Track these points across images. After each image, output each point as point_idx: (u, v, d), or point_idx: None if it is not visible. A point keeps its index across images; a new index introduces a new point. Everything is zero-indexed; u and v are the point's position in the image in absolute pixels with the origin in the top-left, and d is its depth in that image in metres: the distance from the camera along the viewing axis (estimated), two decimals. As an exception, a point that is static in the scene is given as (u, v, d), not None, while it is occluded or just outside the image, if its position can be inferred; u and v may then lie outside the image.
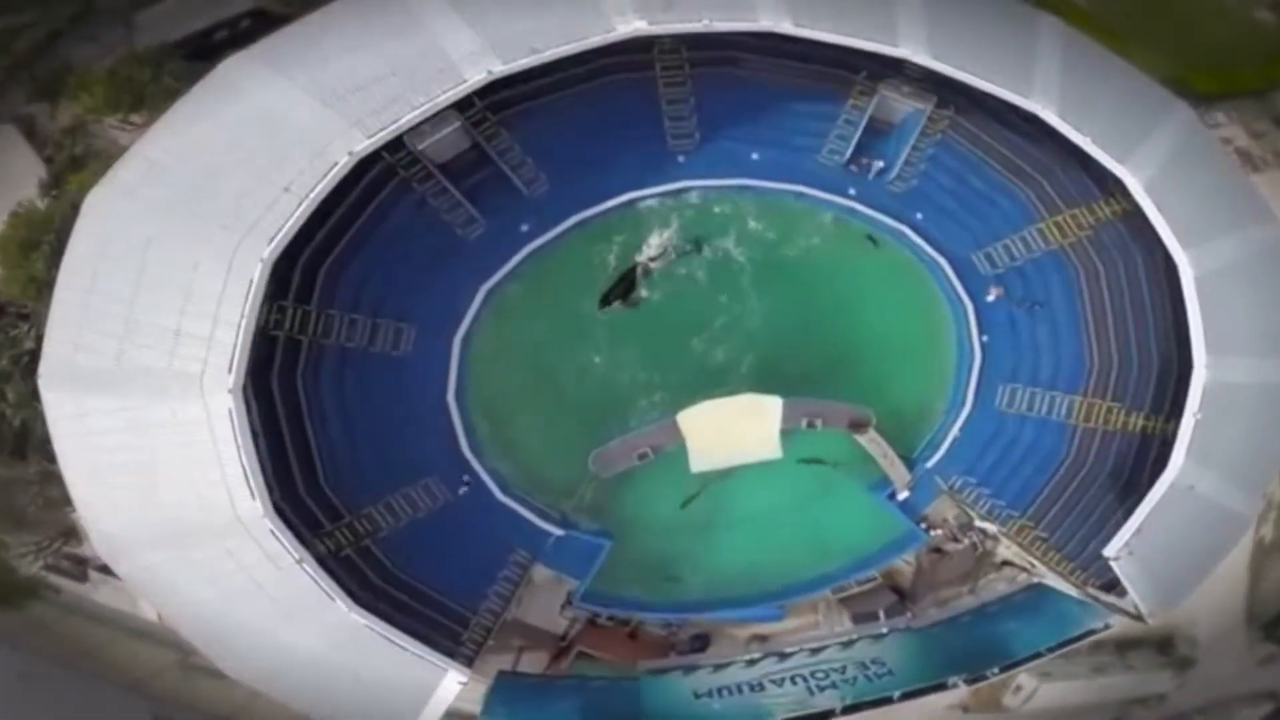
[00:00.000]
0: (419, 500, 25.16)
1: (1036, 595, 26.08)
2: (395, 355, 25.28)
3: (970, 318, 28.37)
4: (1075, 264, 27.35)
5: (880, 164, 27.90)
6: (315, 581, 20.05)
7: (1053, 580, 25.62)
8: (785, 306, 28.65)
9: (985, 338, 28.28)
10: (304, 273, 23.57)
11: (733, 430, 25.87)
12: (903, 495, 27.98)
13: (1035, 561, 25.82)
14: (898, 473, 27.83)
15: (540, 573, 26.50)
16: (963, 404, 28.45)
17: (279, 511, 20.14)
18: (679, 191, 28.12)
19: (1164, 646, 30.88)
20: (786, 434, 26.15)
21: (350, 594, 20.55)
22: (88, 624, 27.94)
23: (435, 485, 25.66)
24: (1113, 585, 23.73)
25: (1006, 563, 27.51)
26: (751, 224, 28.88)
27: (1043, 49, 24.19)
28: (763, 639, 27.40)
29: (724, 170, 27.99)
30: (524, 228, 27.00)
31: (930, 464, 28.19)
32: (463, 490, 26.10)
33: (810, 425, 26.62)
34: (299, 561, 19.91)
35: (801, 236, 29.03)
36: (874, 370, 28.80)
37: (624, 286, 27.73)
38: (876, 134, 27.76)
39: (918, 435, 28.99)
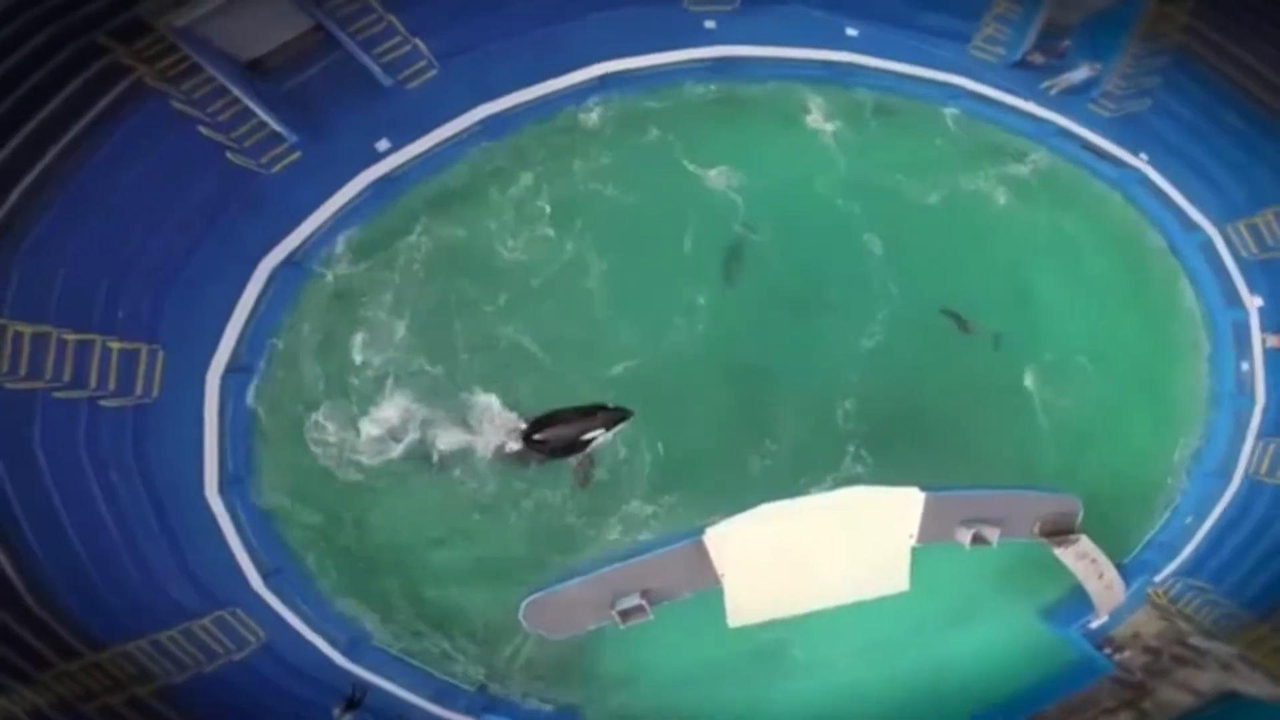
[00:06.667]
0: (213, 642, 14.72)
1: (1236, 709, 18.37)
2: (128, 406, 13.41)
3: (1252, 332, 17.94)
4: (1379, 251, 17.64)
5: (1086, 71, 18.00)
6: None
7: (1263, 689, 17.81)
8: (914, 306, 16.70)
9: (1245, 366, 18.55)
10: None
11: (818, 556, 13.42)
12: (1099, 622, 17.56)
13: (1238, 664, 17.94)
14: (1109, 595, 16.73)
15: (457, 743, 16.75)
16: (1227, 478, 17.85)
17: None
18: (688, 72, 16.24)
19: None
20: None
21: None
22: None
23: (241, 621, 14.84)
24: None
25: (1176, 659, 19.01)
26: (846, 150, 16.56)
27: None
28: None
29: (795, 41, 16.38)
30: (381, 145, 14.97)
31: (1159, 577, 17.74)
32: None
33: (978, 541, 14.42)
34: None
35: (944, 171, 16.70)
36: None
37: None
38: (1059, 36, 18.68)
39: (1133, 531, 18.12)
